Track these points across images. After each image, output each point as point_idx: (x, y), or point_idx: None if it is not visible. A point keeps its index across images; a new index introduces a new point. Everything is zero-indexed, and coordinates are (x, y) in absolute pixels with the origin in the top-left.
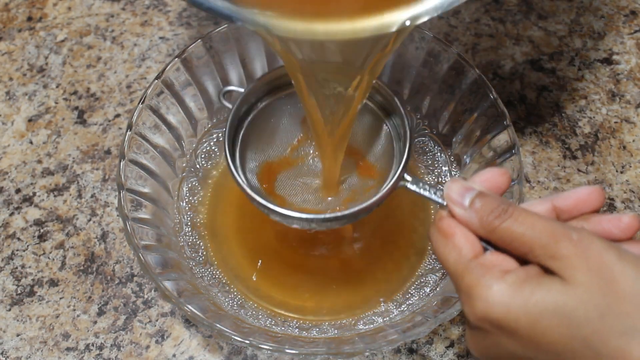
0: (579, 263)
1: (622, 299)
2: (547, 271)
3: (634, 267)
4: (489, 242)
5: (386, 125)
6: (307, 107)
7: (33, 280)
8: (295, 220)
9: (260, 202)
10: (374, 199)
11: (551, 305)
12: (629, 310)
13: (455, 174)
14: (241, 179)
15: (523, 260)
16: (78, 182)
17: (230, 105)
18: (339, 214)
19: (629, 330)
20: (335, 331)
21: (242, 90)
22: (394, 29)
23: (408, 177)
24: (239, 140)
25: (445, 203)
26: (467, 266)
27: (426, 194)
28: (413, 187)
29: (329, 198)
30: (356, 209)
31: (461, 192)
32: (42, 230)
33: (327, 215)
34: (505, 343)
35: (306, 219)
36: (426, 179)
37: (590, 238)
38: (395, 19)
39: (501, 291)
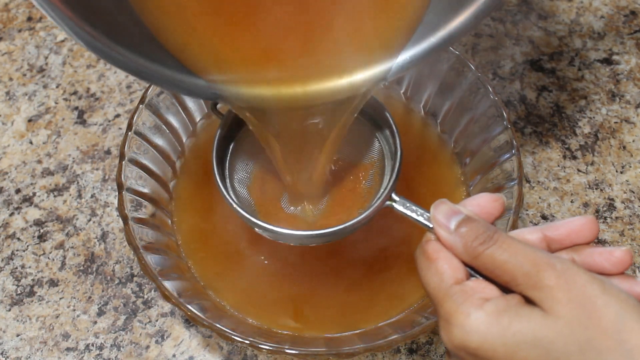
0: (561, 294)
1: (603, 333)
2: (529, 301)
3: (618, 301)
4: (475, 269)
5: (379, 141)
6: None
7: (33, 280)
8: (275, 235)
9: (242, 214)
10: (359, 217)
11: (529, 337)
12: (610, 346)
13: (455, 174)
14: (227, 194)
15: (508, 290)
16: (78, 182)
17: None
18: (320, 231)
19: None
20: (336, 331)
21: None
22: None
23: (396, 197)
24: (229, 154)
25: (432, 226)
26: (447, 292)
27: (413, 215)
28: (400, 208)
29: (297, 208)
30: (339, 227)
31: (448, 215)
32: (42, 231)
33: (306, 233)
34: None
35: (286, 235)
36: (425, 179)
37: (574, 269)
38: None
39: (479, 320)
